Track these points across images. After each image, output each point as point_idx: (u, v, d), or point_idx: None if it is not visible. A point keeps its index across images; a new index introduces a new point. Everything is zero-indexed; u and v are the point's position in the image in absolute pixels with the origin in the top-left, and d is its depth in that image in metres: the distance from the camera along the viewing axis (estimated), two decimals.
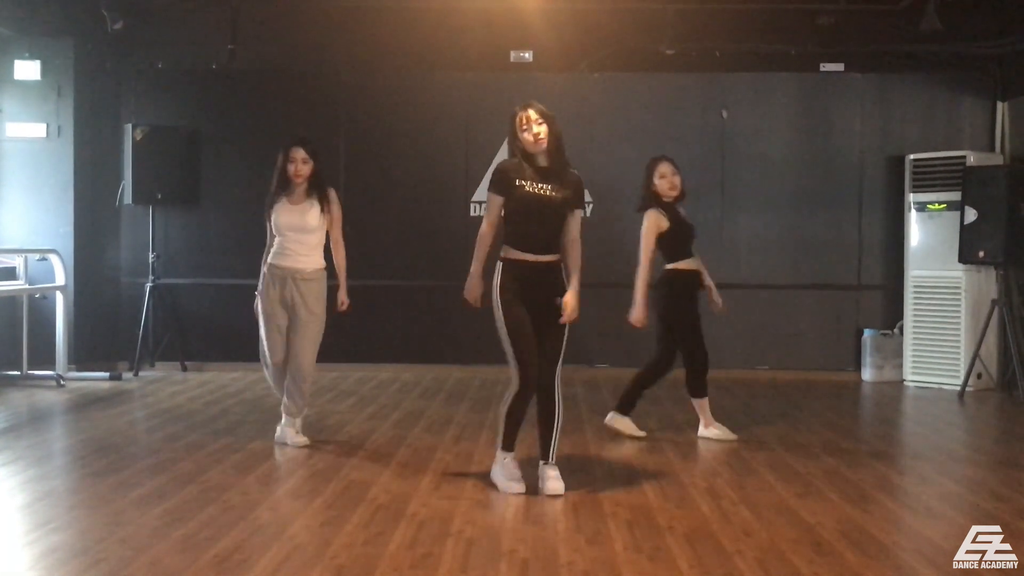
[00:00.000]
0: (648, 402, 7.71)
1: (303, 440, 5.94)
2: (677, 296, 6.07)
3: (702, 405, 6.24)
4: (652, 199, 6.10)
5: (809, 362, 9.04)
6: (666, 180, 6.08)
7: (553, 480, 4.84)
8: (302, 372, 5.89)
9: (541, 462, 4.94)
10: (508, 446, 4.95)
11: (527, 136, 4.77)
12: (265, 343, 5.94)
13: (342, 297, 6.01)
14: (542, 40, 9.14)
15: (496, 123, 9.14)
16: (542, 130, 4.75)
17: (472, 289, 4.90)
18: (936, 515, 4.69)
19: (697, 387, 6.19)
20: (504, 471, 4.94)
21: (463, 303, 4.98)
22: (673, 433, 6.49)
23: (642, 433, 6.25)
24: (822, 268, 9.13)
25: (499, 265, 4.84)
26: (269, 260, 5.91)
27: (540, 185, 4.75)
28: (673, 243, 6.08)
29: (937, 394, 8.33)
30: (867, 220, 9.16)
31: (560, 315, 4.78)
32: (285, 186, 5.88)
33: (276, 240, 5.92)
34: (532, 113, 4.77)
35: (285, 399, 5.98)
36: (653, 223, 6.03)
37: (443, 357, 9.15)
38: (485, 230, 4.89)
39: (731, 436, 6.18)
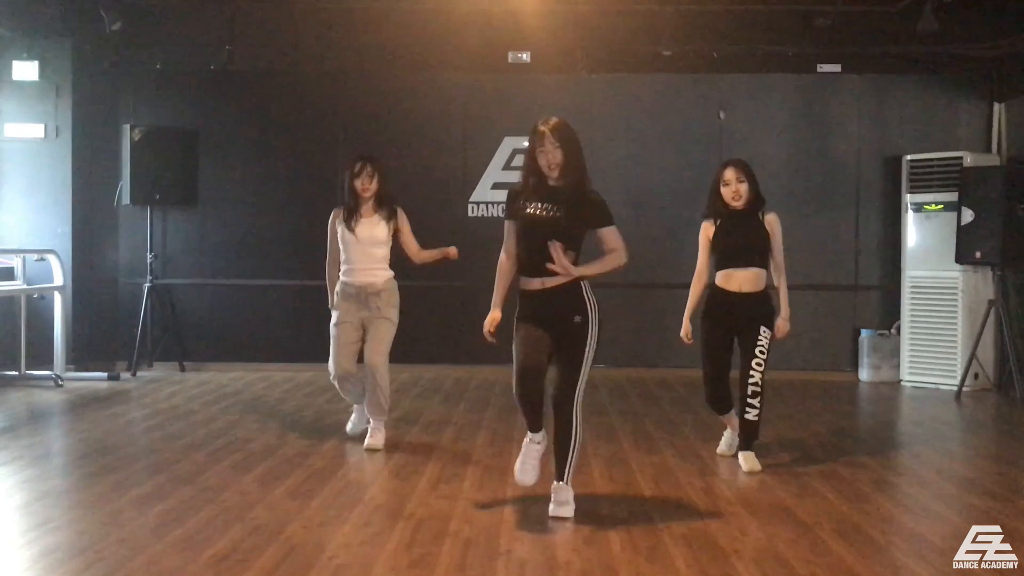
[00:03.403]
0: (645, 402, 7.74)
1: (378, 443, 5.96)
2: (704, 313, 5.68)
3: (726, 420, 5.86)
4: (711, 207, 5.68)
5: (806, 362, 9.06)
6: (729, 188, 5.54)
7: (557, 506, 4.55)
8: (377, 371, 5.91)
9: (555, 480, 4.64)
10: (529, 426, 4.67)
11: (542, 160, 4.53)
12: (332, 354, 5.98)
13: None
14: (540, 41, 9.15)
15: (494, 124, 9.19)
16: (557, 155, 4.49)
17: (488, 321, 4.64)
18: (933, 515, 4.69)
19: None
20: (521, 451, 4.74)
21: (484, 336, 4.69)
22: (670, 434, 6.50)
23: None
24: (819, 268, 9.14)
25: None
26: (341, 278, 6.00)
27: (540, 205, 4.52)
28: (715, 253, 5.64)
29: (934, 394, 8.34)
30: (864, 221, 9.19)
31: (576, 336, 4.53)
32: (354, 202, 5.96)
33: (343, 256, 5.98)
34: (550, 135, 4.49)
35: (366, 402, 6.04)
36: (701, 235, 5.70)
37: (440, 357, 9.15)
38: (501, 258, 4.72)
39: (723, 451, 5.88)
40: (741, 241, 5.56)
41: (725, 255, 5.60)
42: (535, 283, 4.55)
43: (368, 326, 5.96)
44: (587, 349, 4.55)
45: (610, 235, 4.63)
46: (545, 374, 4.58)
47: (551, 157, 4.50)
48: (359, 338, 5.99)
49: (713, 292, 5.63)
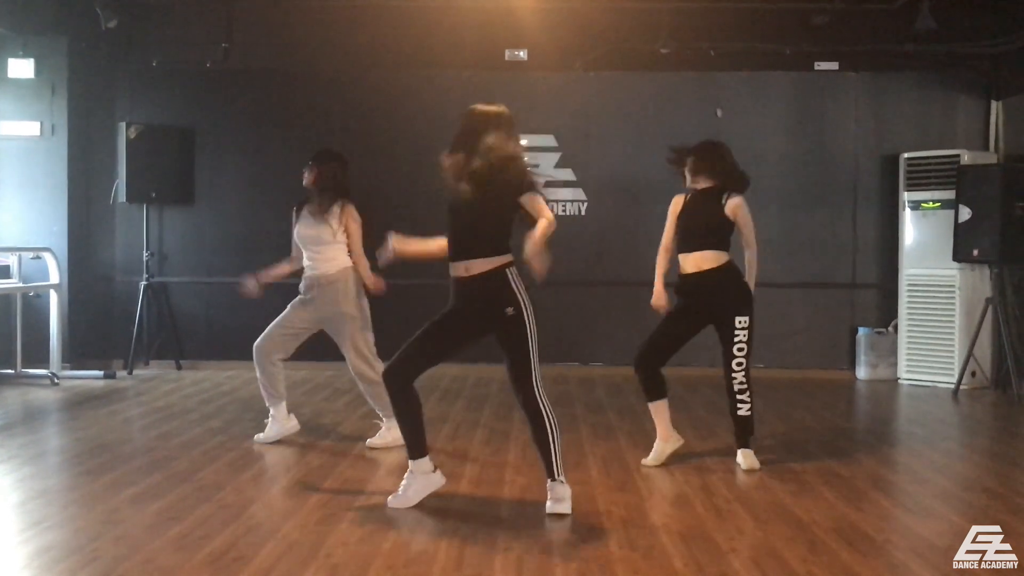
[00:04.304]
0: (642, 401, 7.71)
1: (379, 443, 5.92)
2: (675, 289, 5.56)
3: (653, 409, 5.63)
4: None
5: (804, 360, 9.05)
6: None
7: (555, 502, 4.51)
8: (359, 375, 5.89)
9: (548, 480, 4.57)
10: (410, 450, 4.69)
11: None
12: (269, 328, 5.97)
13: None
14: (537, 39, 9.13)
15: None
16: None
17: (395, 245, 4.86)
18: (930, 513, 4.69)
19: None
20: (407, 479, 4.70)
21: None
22: None
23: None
24: (817, 267, 9.14)
25: None
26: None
27: (461, 187, 4.53)
28: (676, 234, 5.58)
29: (931, 392, 8.34)
30: (861, 218, 9.18)
31: (514, 328, 4.46)
32: (308, 198, 5.98)
33: (302, 252, 6.00)
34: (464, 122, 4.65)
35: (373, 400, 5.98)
36: (670, 207, 5.60)
37: None
38: None
39: (656, 460, 5.56)
40: (693, 224, 5.47)
41: (681, 238, 5.53)
42: (459, 268, 4.52)
43: (331, 331, 5.93)
44: (530, 339, 4.47)
45: (533, 202, 4.46)
46: (415, 376, 4.58)
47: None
48: (299, 330, 5.94)
49: (679, 278, 5.55)
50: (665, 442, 5.61)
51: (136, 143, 8.83)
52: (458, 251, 4.54)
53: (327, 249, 5.89)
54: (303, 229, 5.96)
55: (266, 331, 6.00)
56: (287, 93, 9.32)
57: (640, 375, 5.58)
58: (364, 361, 5.88)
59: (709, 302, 5.45)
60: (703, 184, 5.51)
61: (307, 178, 5.95)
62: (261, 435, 6.04)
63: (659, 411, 5.60)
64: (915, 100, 9.18)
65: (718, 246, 5.45)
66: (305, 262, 5.99)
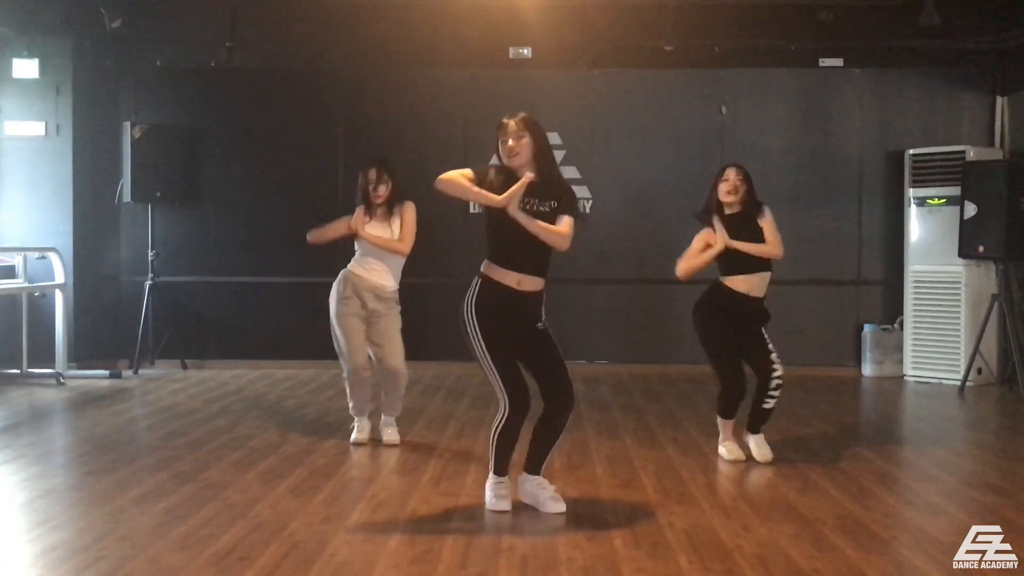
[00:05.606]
0: (648, 398, 7.73)
1: (397, 439, 5.99)
2: (705, 304, 5.61)
3: (722, 423, 5.68)
4: (707, 207, 5.63)
5: (809, 357, 9.03)
6: (728, 183, 5.54)
7: (556, 501, 4.54)
8: (395, 375, 5.92)
9: (533, 475, 4.62)
10: (500, 470, 4.62)
11: (501, 148, 4.48)
12: (344, 347, 5.91)
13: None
14: (541, 36, 9.13)
15: (495, 120, 9.11)
16: (519, 144, 4.43)
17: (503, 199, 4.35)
18: (936, 510, 4.68)
19: (719, 406, 5.66)
20: (493, 491, 4.62)
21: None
22: (672, 430, 6.49)
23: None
24: (822, 263, 9.13)
25: (476, 282, 4.49)
26: (350, 268, 5.93)
27: (527, 200, 4.38)
28: (721, 260, 5.57)
29: (937, 389, 8.33)
30: (867, 215, 9.17)
31: (548, 337, 4.53)
32: (368, 206, 5.88)
33: (358, 250, 5.95)
34: (512, 124, 4.44)
35: (385, 400, 6.03)
36: (697, 240, 5.65)
37: (443, 354, 9.10)
38: (452, 174, 4.51)
39: (738, 455, 5.59)
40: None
41: (731, 262, 5.55)
42: (510, 278, 4.45)
43: (375, 323, 5.89)
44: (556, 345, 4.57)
45: (567, 223, 4.48)
46: (529, 402, 4.60)
47: (512, 145, 4.43)
48: (364, 329, 5.93)
49: (717, 288, 5.60)
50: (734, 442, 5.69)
51: (141, 143, 8.84)
52: (531, 266, 4.48)
53: (394, 257, 5.92)
54: (380, 231, 5.88)
55: (353, 347, 5.89)
56: (291, 92, 9.33)
57: (739, 403, 5.62)
58: (404, 363, 5.97)
59: (743, 316, 5.54)
60: (736, 208, 5.58)
61: (384, 191, 5.87)
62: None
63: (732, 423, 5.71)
64: (920, 96, 9.16)
65: (768, 267, 5.58)
66: (362, 264, 5.89)
